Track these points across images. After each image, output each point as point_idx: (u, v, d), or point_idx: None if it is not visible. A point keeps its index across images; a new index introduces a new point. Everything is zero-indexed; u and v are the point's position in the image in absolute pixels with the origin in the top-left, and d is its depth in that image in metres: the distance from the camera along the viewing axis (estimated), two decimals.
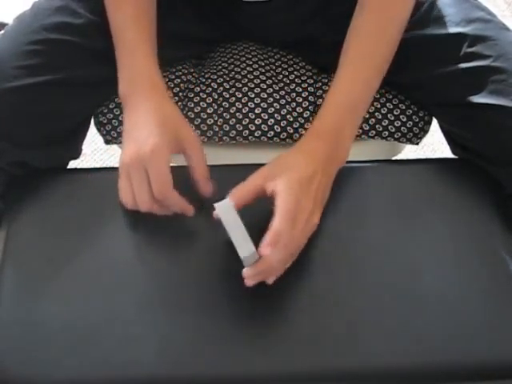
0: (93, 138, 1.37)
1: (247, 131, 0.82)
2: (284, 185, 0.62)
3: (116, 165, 0.67)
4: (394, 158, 0.94)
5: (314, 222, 0.64)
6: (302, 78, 0.85)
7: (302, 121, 0.83)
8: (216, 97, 0.83)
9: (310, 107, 0.83)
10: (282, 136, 0.83)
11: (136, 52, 0.71)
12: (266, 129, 0.82)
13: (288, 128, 0.82)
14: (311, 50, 0.87)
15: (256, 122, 0.82)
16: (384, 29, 0.72)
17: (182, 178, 0.66)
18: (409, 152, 1.49)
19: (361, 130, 0.82)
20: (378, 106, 0.82)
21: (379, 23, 0.72)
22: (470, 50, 0.74)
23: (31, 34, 0.73)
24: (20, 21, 0.77)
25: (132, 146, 0.65)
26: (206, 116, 0.82)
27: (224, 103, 0.83)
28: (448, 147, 0.82)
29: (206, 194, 0.68)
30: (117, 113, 0.81)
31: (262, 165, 0.66)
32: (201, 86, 0.84)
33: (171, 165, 0.64)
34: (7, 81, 0.70)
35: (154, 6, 0.75)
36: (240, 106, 0.82)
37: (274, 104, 0.83)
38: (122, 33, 0.72)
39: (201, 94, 0.84)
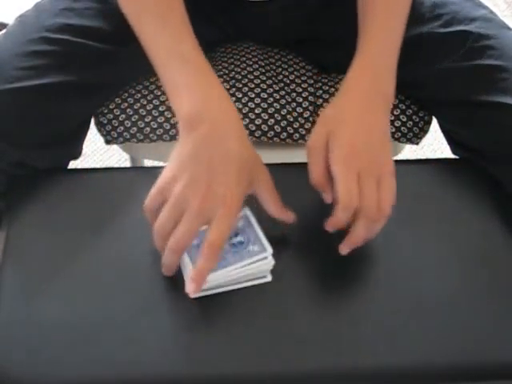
0: (93, 138, 1.37)
1: (247, 131, 0.82)
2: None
3: (116, 165, 0.67)
4: (394, 158, 0.93)
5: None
6: (302, 78, 0.85)
7: (302, 121, 0.83)
8: None
9: (309, 107, 0.83)
10: (282, 136, 0.83)
11: (201, 68, 0.64)
12: (266, 129, 0.82)
13: (288, 128, 0.82)
14: (311, 50, 0.87)
15: (256, 122, 0.82)
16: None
17: None
18: (409, 152, 1.49)
19: None
20: None
21: None
22: (471, 48, 0.74)
23: (33, 35, 0.73)
24: (22, 21, 0.77)
25: (203, 188, 0.58)
26: None
27: None
28: (448, 147, 0.82)
29: (291, 220, 0.65)
30: (117, 113, 0.81)
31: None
32: None
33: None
34: (8, 81, 0.70)
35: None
36: (240, 106, 0.82)
37: (274, 104, 0.83)
38: (176, 45, 0.65)
39: None
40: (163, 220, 0.59)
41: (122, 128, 0.82)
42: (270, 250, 0.62)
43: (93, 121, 0.83)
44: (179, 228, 0.58)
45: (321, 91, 0.84)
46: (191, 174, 0.59)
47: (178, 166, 0.60)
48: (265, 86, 0.84)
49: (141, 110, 0.81)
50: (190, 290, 0.59)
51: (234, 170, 0.60)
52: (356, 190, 0.60)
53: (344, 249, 0.62)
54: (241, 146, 0.62)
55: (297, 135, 0.83)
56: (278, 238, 0.66)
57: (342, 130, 0.63)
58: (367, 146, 0.63)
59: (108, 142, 0.85)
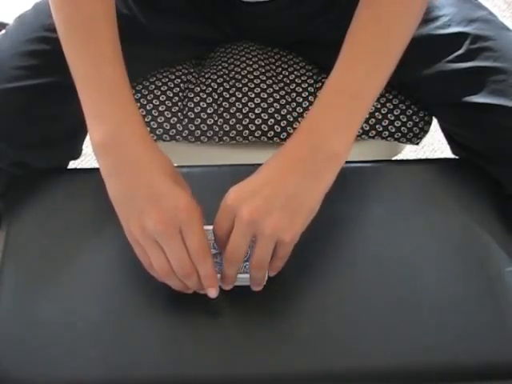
0: None
1: (247, 131, 0.82)
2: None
3: None
4: (394, 158, 0.94)
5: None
6: (302, 78, 0.85)
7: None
8: (216, 97, 0.83)
9: (309, 107, 0.83)
10: (282, 136, 0.83)
11: (118, 93, 0.63)
12: (266, 129, 0.82)
13: (288, 128, 0.82)
14: (311, 50, 0.87)
15: (256, 122, 0.82)
16: (393, 20, 0.65)
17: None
18: (409, 152, 1.49)
19: (361, 130, 0.82)
20: (378, 105, 0.82)
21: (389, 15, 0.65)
22: (470, 49, 0.74)
23: (32, 35, 0.73)
24: (21, 21, 0.77)
25: (155, 208, 0.57)
26: (205, 116, 0.82)
27: (224, 103, 0.83)
28: (448, 147, 0.82)
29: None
30: None
31: (261, 165, 0.66)
32: (201, 86, 0.84)
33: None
34: (8, 81, 0.70)
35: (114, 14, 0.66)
36: (240, 106, 0.82)
37: (274, 104, 0.83)
38: (97, 68, 0.63)
39: (201, 94, 0.84)
40: (155, 259, 0.58)
41: None
42: None
43: None
44: (168, 255, 0.58)
45: None
46: (135, 208, 0.58)
47: (118, 211, 0.61)
48: (265, 86, 0.84)
49: (140, 110, 0.82)
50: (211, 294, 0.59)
51: (171, 181, 0.59)
52: (243, 248, 0.58)
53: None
54: (163, 158, 0.61)
55: None
56: None
57: (254, 191, 0.59)
58: (274, 210, 0.58)
59: None
